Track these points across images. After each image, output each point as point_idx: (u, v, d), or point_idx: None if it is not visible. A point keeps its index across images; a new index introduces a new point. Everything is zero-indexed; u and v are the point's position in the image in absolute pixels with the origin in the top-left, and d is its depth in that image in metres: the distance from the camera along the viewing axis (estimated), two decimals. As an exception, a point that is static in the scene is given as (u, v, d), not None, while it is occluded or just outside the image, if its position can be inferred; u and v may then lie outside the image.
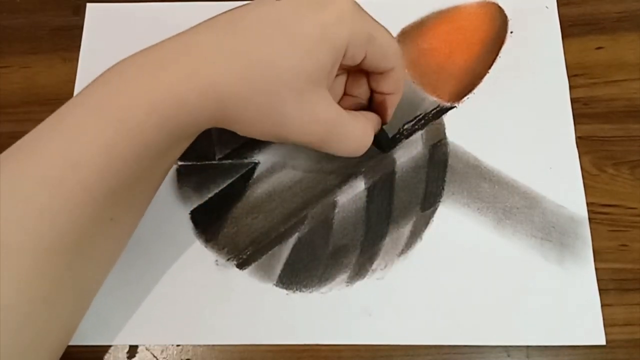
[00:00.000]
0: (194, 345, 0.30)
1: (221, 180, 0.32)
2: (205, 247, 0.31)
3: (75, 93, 0.35)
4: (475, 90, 0.34)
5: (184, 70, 0.23)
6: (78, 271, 0.24)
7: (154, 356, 0.30)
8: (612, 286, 0.30)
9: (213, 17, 0.25)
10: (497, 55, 0.35)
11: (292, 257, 0.31)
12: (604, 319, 0.29)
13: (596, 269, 0.30)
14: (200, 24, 0.25)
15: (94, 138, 0.22)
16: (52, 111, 0.35)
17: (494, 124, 0.33)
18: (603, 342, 0.29)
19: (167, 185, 0.32)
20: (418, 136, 0.33)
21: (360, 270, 0.31)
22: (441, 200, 0.32)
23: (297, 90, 0.24)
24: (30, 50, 0.36)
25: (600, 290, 0.30)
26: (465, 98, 0.34)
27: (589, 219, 0.31)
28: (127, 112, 0.22)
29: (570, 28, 0.35)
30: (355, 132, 0.26)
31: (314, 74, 0.24)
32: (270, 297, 0.30)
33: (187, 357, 0.29)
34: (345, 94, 0.29)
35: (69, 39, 0.36)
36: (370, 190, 0.32)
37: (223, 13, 0.25)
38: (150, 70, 0.24)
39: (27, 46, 0.36)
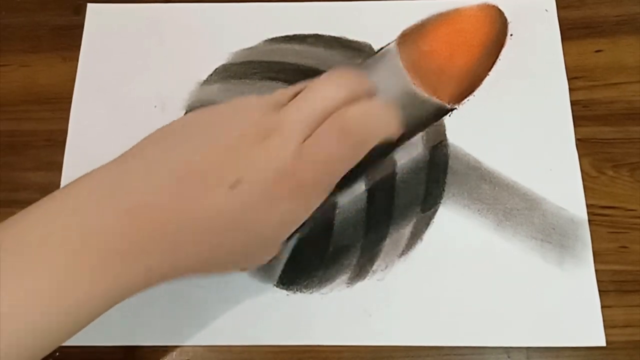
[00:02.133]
0: (193, 346, 0.30)
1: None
2: (205, 247, 0.31)
3: (75, 92, 0.35)
4: (475, 92, 0.34)
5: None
6: None
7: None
8: (612, 288, 0.30)
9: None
10: (497, 57, 0.35)
11: (292, 258, 0.31)
12: (604, 321, 0.29)
13: (596, 270, 0.30)
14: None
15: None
16: (52, 110, 0.35)
17: (495, 126, 0.33)
18: (603, 343, 0.29)
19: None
20: (418, 137, 0.33)
21: (360, 271, 0.31)
22: (441, 201, 0.32)
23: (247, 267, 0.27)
24: (31, 49, 0.36)
25: (600, 291, 0.30)
26: (465, 100, 0.34)
27: (589, 220, 0.31)
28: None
29: (570, 31, 0.35)
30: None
31: (269, 255, 0.26)
32: (270, 297, 0.30)
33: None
34: None
35: (69, 38, 0.36)
36: (370, 192, 0.32)
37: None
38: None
39: (27, 45, 0.36)
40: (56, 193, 0.23)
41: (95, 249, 0.21)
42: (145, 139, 0.24)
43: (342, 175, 0.25)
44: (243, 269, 0.27)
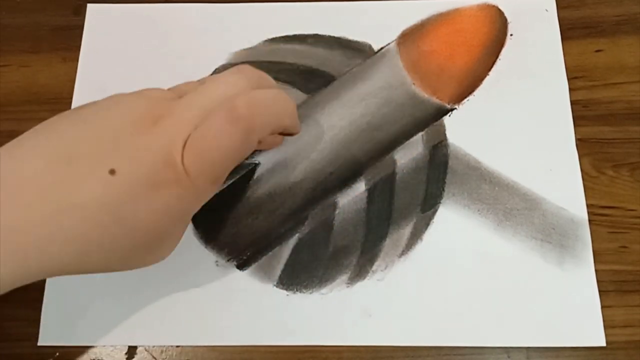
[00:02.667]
0: (193, 346, 0.30)
1: (221, 181, 0.32)
2: (205, 247, 0.31)
3: (75, 93, 0.35)
4: (475, 92, 0.34)
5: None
6: None
7: (153, 357, 0.29)
8: (612, 288, 0.30)
9: None
10: (497, 57, 0.35)
11: (292, 258, 0.31)
12: (603, 321, 0.29)
13: (596, 270, 0.30)
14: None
15: None
16: (52, 110, 0.34)
17: (494, 126, 0.33)
18: (603, 343, 0.29)
19: (167, 186, 0.32)
20: (418, 137, 0.33)
21: (360, 271, 0.31)
22: (441, 201, 0.32)
23: (135, 265, 0.24)
24: (30, 49, 0.36)
25: (600, 291, 0.30)
26: (465, 100, 0.34)
27: (589, 220, 0.31)
28: None
29: (570, 31, 0.35)
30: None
31: (158, 250, 0.25)
32: (270, 298, 0.30)
33: (186, 358, 0.29)
34: None
35: (69, 38, 0.36)
36: (370, 192, 0.32)
37: None
38: None
39: (27, 45, 0.36)
40: None
41: None
42: (46, 120, 0.23)
43: (233, 166, 0.24)
44: (141, 266, 0.25)
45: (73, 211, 0.21)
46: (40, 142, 0.22)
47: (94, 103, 0.24)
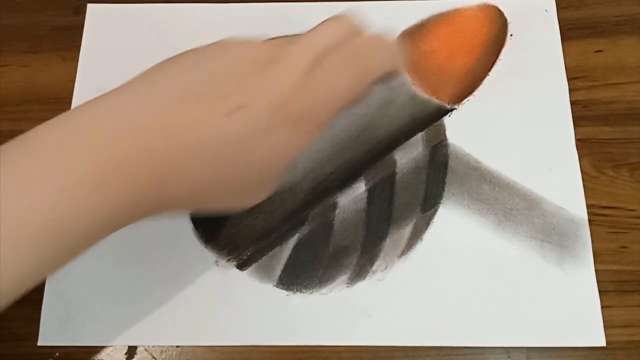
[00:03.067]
0: (193, 346, 0.30)
1: (221, 181, 0.32)
2: (206, 247, 0.31)
3: (75, 93, 0.35)
4: (475, 92, 0.34)
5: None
6: None
7: (153, 357, 0.29)
8: (612, 288, 0.30)
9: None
10: (497, 57, 0.35)
11: (292, 258, 0.31)
12: (604, 321, 0.29)
13: (596, 270, 0.30)
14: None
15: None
16: (52, 110, 0.34)
17: (494, 126, 0.33)
18: (603, 343, 0.29)
19: (167, 186, 0.32)
20: (418, 137, 0.33)
21: (360, 272, 0.31)
22: (441, 201, 0.32)
23: (245, 199, 0.26)
24: (31, 49, 0.36)
25: (600, 291, 0.30)
26: (465, 100, 0.34)
27: (589, 220, 0.31)
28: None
29: (570, 31, 0.36)
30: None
31: (265, 187, 0.26)
32: (270, 298, 0.30)
33: (186, 358, 0.29)
34: None
35: (69, 38, 0.36)
36: (370, 192, 0.32)
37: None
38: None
39: (27, 45, 0.36)
40: (69, 112, 0.23)
41: (94, 164, 0.21)
42: (152, 66, 0.24)
43: (344, 106, 0.25)
44: (239, 207, 0.26)
45: (199, 147, 0.22)
46: (167, 81, 0.23)
47: (215, 44, 0.25)
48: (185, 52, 0.25)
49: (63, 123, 0.22)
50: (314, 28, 0.26)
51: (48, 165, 0.21)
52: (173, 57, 0.25)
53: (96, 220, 0.21)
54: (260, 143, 0.23)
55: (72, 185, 0.20)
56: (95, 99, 0.23)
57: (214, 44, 0.25)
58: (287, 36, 0.27)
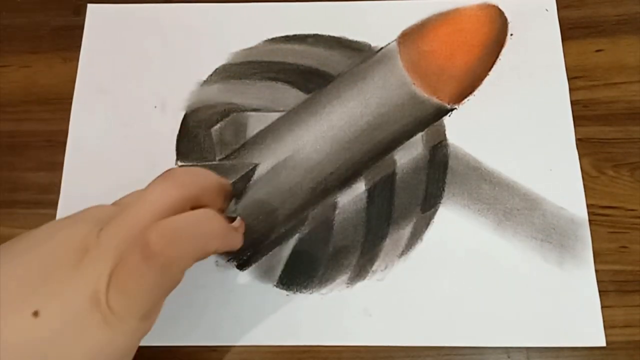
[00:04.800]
0: (193, 346, 0.30)
1: (221, 181, 0.32)
2: (206, 247, 0.31)
3: (75, 93, 0.35)
4: (475, 92, 0.34)
5: None
6: None
7: (154, 357, 0.29)
8: (612, 288, 0.30)
9: None
10: (497, 57, 0.35)
11: (292, 258, 0.31)
12: (604, 321, 0.29)
13: (596, 270, 0.30)
14: None
15: None
16: (52, 111, 0.35)
17: (495, 126, 0.33)
18: (603, 343, 0.29)
19: (168, 186, 0.32)
20: (418, 137, 0.33)
21: (360, 272, 0.31)
22: (441, 201, 0.32)
23: None
24: (31, 49, 0.36)
25: (600, 291, 0.30)
26: (465, 100, 0.34)
27: (589, 220, 0.31)
28: None
29: (570, 31, 0.35)
30: None
31: None
32: (270, 298, 0.30)
33: (187, 358, 0.29)
34: None
35: (69, 39, 0.36)
36: (370, 192, 0.32)
37: None
38: None
39: (28, 45, 0.36)
40: None
41: None
42: None
43: (162, 299, 0.23)
44: None
45: (8, 349, 0.20)
46: None
47: (32, 233, 0.23)
48: (23, 235, 0.23)
49: None
50: (145, 189, 0.23)
51: None
52: (11, 241, 0.23)
53: None
54: (70, 349, 0.21)
55: None
56: None
57: (46, 227, 0.23)
58: (134, 193, 0.25)
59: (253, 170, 0.32)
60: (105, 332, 0.21)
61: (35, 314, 0.20)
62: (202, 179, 0.25)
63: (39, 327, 0.20)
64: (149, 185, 0.23)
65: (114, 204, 0.25)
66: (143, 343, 0.29)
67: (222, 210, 0.27)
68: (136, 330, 0.22)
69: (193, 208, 0.24)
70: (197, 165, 0.33)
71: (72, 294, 0.21)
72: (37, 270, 0.21)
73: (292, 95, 0.34)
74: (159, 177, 0.24)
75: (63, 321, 0.21)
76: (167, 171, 0.24)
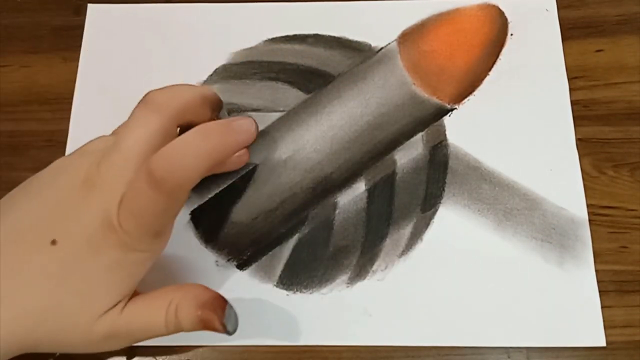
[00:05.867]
0: (193, 346, 0.30)
1: (221, 181, 0.32)
2: (206, 247, 0.31)
3: (75, 93, 0.35)
4: (475, 92, 0.34)
5: None
6: None
7: (154, 357, 0.29)
8: (612, 288, 0.30)
9: None
10: (497, 57, 0.35)
11: (292, 258, 0.31)
12: (604, 321, 0.29)
13: (596, 270, 0.30)
14: None
15: None
16: (52, 110, 0.35)
17: (495, 126, 0.33)
18: (603, 343, 0.29)
19: (168, 186, 0.32)
20: (418, 138, 0.33)
21: (360, 272, 0.31)
22: (442, 201, 0.32)
23: (85, 325, 0.24)
24: (31, 49, 0.36)
25: (600, 291, 0.30)
26: (465, 100, 0.34)
27: (589, 220, 0.31)
28: None
29: (570, 31, 0.35)
30: (146, 326, 0.25)
31: (106, 306, 0.24)
32: (270, 298, 0.30)
33: (186, 358, 0.29)
34: None
35: (69, 38, 0.36)
36: (370, 192, 0.32)
37: None
38: None
39: (28, 45, 0.36)
40: None
41: None
42: None
43: (172, 219, 0.25)
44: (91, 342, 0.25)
45: (23, 286, 0.23)
46: None
47: (41, 174, 0.25)
48: (35, 176, 0.25)
49: None
50: (126, 123, 0.25)
51: None
52: (25, 182, 0.25)
53: None
54: (88, 270, 0.23)
55: None
56: None
57: (53, 166, 0.26)
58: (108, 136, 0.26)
59: (253, 170, 0.32)
60: (121, 250, 0.23)
61: (53, 242, 0.23)
62: (180, 95, 0.26)
63: (57, 253, 0.23)
64: (133, 113, 0.25)
65: (113, 132, 0.26)
66: (143, 343, 0.30)
67: (213, 119, 0.28)
68: (150, 246, 0.24)
69: (182, 125, 0.25)
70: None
71: (84, 221, 0.23)
72: (50, 205, 0.23)
73: (292, 95, 0.34)
74: (139, 103, 0.25)
75: (79, 245, 0.23)
76: (145, 96, 0.25)
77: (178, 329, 0.25)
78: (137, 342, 0.26)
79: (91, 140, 0.26)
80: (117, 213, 0.23)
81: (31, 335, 0.23)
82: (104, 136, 0.26)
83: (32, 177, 0.25)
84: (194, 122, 0.26)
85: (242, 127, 0.26)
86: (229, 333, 0.25)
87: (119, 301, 0.24)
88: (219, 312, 0.24)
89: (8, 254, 0.23)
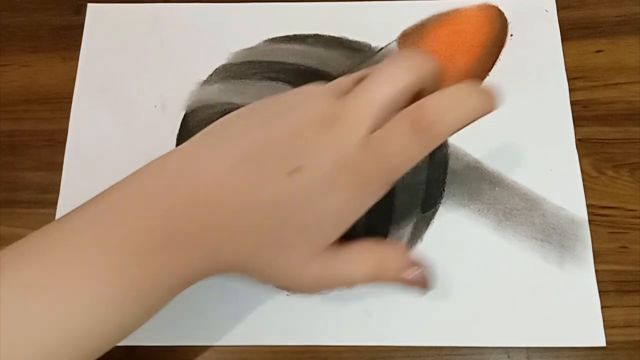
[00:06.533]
0: (193, 346, 0.30)
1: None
2: (206, 247, 0.31)
3: (75, 92, 0.35)
4: (475, 92, 0.34)
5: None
6: None
7: (154, 357, 0.29)
8: (611, 288, 0.30)
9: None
10: (497, 58, 0.35)
11: (292, 258, 0.31)
12: (603, 321, 0.29)
13: (596, 270, 0.30)
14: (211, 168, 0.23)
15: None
16: (52, 110, 0.35)
17: (495, 126, 0.33)
18: (603, 343, 0.29)
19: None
20: (419, 138, 0.33)
21: (360, 271, 0.31)
22: (442, 201, 0.32)
23: (302, 261, 0.23)
24: (31, 49, 0.36)
25: (600, 291, 0.30)
26: (465, 100, 0.34)
27: (589, 220, 0.31)
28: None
29: (570, 31, 0.36)
30: (352, 275, 0.25)
31: (323, 246, 0.24)
32: (270, 298, 0.30)
33: (186, 358, 0.29)
34: None
35: (69, 38, 0.36)
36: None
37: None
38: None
39: (28, 45, 0.36)
40: (126, 179, 0.23)
41: (159, 234, 0.21)
42: (207, 128, 0.24)
43: (407, 170, 0.24)
44: (297, 280, 0.25)
45: (253, 211, 0.22)
46: (230, 143, 0.23)
47: (276, 101, 0.24)
48: (250, 107, 0.25)
49: (121, 192, 0.23)
50: (376, 70, 0.24)
51: (113, 237, 0.21)
52: (230, 115, 0.24)
53: (157, 288, 0.22)
54: (317, 206, 0.22)
55: (137, 257, 0.21)
56: (154, 161, 0.23)
57: (270, 100, 0.25)
58: (351, 76, 0.26)
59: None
60: (350, 193, 0.23)
61: (294, 171, 0.22)
62: (429, 64, 0.26)
63: (294, 185, 0.22)
64: (385, 62, 0.24)
65: (329, 85, 0.25)
66: (143, 343, 0.30)
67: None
68: (374, 196, 0.23)
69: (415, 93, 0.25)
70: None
71: (325, 155, 0.22)
72: (286, 136, 0.22)
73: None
74: (394, 56, 0.25)
75: (316, 180, 0.22)
76: (401, 52, 0.26)
77: (376, 282, 0.25)
78: (334, 289, 0.25)
79: (307, 86, 0.25)
80: (358, 152, 0.22)
81: (251, 259, 0.23)
82: (317, 86, 0.25)
83: (257, 107, 0.24)
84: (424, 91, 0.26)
85: (493, 94, 0.26)
86: (428, 290, 0.26)
87: (331, 244, 0.24)
88: (422, 271, 0.25)
89: (242, 178, 0.22)
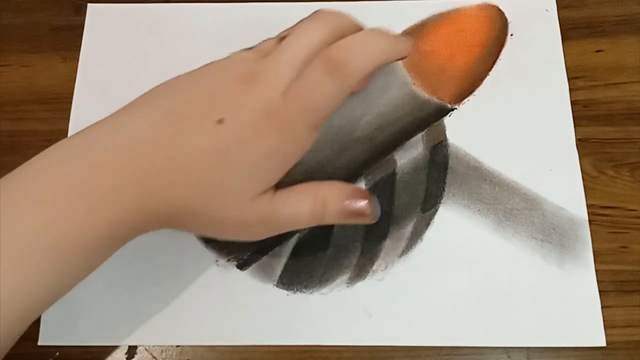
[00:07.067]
0: (193, 346, 0.30)
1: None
2: (206, 247, 0.31)
3: (75, 93, 0.35)
4: (475, 92, 0.34)
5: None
6: None
7: (154, 357, 0.29)
8: (612, 288, 0.30)
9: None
10: (497, 57, 0.35)
11: (292, 258, 0.31)
12: (604, 321, 0.29)
13: (596, 270, 0.30)
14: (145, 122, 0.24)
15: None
16: (52, 110, 0.35)
17: (495, 126, 0.33)
18: (603, 343, 0.29)
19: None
20: (419, 138, 0.33)
21: (360, 271, 0.31)
22: (442, 201, 0.32)
23: (240, 203, 0.25)
24: (31, 49, 0.36)
25: (600, 291, 0.30)
26: (465, 100, 0.34)
27: (589, 220, 0.31)
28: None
29: (570, 31, 0.35)
30: (294, 213, 0.27)
31: (260, 189, 0.25)
32: (270, 297, 0.30)
33: (186, 358, 0.29)
34: None
35: (69, 38, 0.36)
36: (370, 191, 0.32)
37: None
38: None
39: (28, 45, 0.36)
40: (67, 139, 0.25)
41: (91, 186, 0.22)
42: (145, 92, 0.26)
43: (332, 111, 0.26)
44: (243, 231, 0.27)
45: (184, 159, 0.24)
46: (157, 101, 0.25)
47: (206, 66, 0.26)
48: (177, 77, 0.26)
49: (55, 154, 0.24)
50: (294, 29, 0.26)
51: (46, 191, 0.22)
52: (165, 82, 0.26)
53: (96, 240, 0.23)
54: (247, 151, 0.24)
55: (70, 209, 0.22)
56: (90, 126, 0.25)
57: (208, 65, 0.27)
58: (274, 38, 0.28)
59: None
60: (278, 138, 0.24)
61: (220, 121, 0.24)
62: (344, 19, 0.27)
63: (222, 133, 0.24)
64: (300, 23, 0.27)
65: (253, 50, 0.28)
66: (143, 343, 0.30)
67: None
68: (304, 139, 0.26)
69: None
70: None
71: (249, 105, 0.24)
72: (212, 92, 0.25)
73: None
74: (309, 16, 0.27)
75: (242, 127, 0.24)
76: (315, 12, 0.27)
77: (322, 220, 0.27)
78: (280, 231, 0.27)
79: (234, 53, 0.28)
80: (280, 100, 0.24)
81: (188, 204, 0.24)
82: (244, 52, 0.28)
83: (180, 76, 0.26)
84: None
85: (406, 40, 0.28)
86: (375, 220, 0.28)
87: (269, 188, 0.26)
88: (366, 199, 0.27)
89: (172, 129, 0.24)
